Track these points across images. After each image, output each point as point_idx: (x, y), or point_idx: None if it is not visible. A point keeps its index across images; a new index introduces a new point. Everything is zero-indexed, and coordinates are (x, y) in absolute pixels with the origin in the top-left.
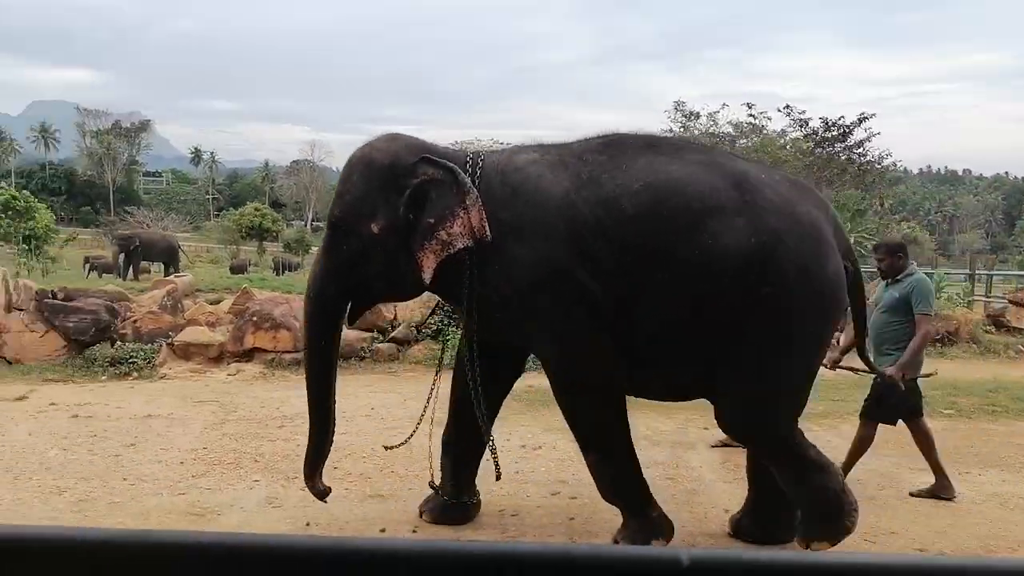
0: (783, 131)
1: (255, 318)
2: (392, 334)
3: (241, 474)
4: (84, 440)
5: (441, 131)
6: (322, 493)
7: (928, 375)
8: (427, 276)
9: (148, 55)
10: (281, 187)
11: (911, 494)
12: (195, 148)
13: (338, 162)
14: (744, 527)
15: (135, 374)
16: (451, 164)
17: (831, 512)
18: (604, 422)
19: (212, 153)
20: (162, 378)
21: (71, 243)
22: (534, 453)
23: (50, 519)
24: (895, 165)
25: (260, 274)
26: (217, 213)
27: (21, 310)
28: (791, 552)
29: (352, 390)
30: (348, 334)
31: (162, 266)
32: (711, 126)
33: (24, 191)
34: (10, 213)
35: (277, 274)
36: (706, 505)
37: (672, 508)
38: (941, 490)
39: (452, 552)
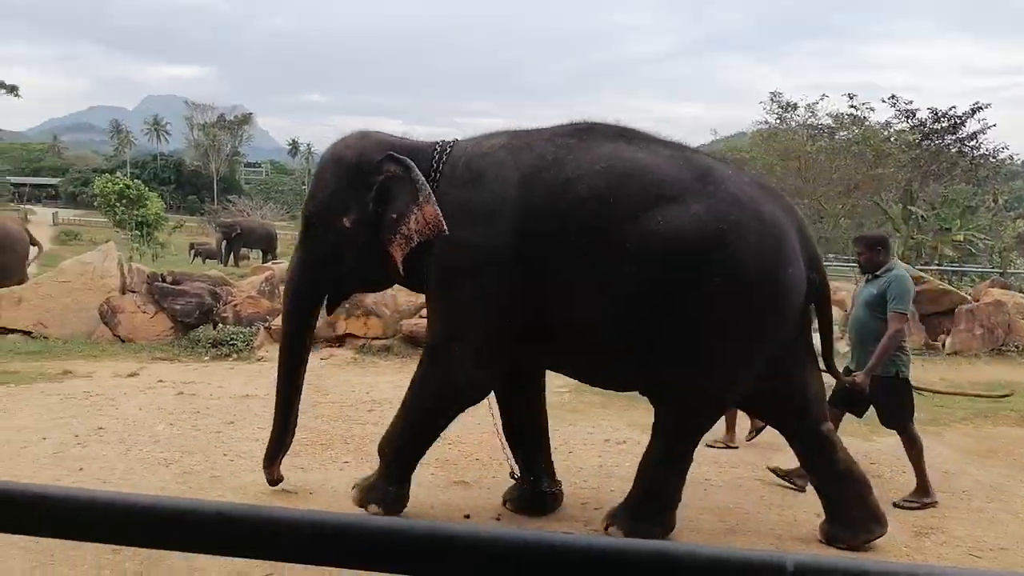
0: (887, 123)
1: (347, 305)
2: None
3: (332, 455)
4: (188, 416)
5: (524, 125)
6: (275, 481)
7: (1005, 395)
8: (400, 268)
9: (249, 51)
10: None
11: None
12: (292, 140)
13: None
14: (830, 533)
15: (235, 355)
16: (407, 161)
17: (650, 512)
18: (457, 404)
19: (308, 145)
20: (259, 360)
21: (178, 230)
22: (618, 448)
23: (157, 489)
24: (1011, 159)
25: None
26: None
27: (134, 292)
28: (894, 562)
29: None
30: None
31: (260, 253)
32: (809, 117)
33: (137, 180)
34: (124, 201)
35: None
36: (795, 509)
37: (761, 510)
38: (923, 498)
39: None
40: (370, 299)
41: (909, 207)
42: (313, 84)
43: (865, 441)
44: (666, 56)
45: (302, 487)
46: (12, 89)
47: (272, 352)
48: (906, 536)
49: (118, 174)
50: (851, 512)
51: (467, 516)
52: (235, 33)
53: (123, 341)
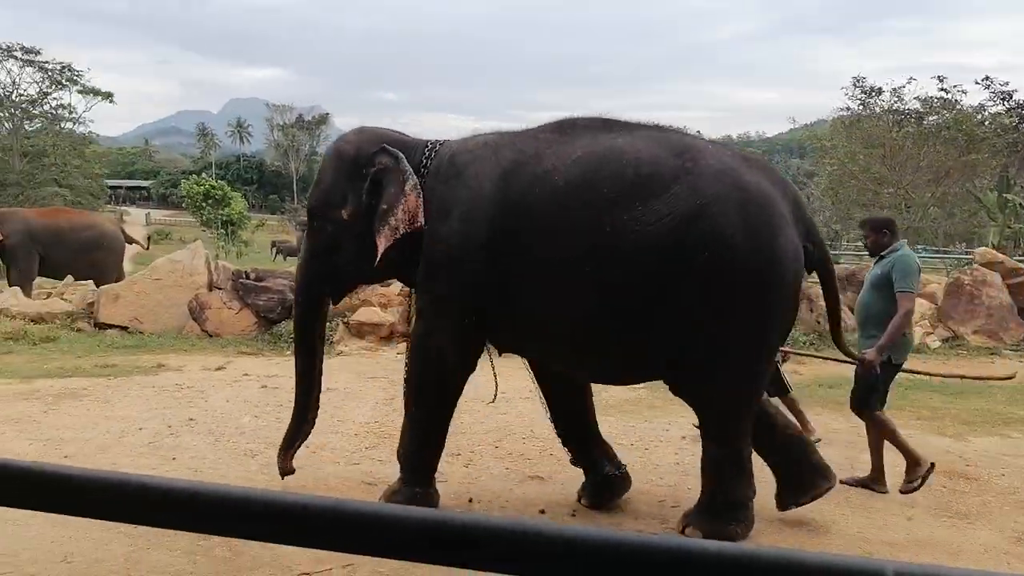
0: (981, 106)
1: None
2: None
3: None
4: (272, 409)
5: None
6: (285, 471)
7: (1006, 377)
8: (379, 258)
9: (325, 51)
10: None
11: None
12: None
13: None
14: (784, 500)
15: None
16: (397, 153)
17: (727, 510)
18: (446, 398)
19: None
20: (339, 354)
21: (260, 228)
22: (696, 445)
23: (243, 479)
24: None
25: None
26: None
27: (220, 289)
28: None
29: (511, 371)
30: None
31: None
32: (895, 102)
33: (221, 181)
34: (210, 201)
35: None
36: (884, 512)
37: (846, 512)
38: (917, 471)
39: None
40: None
41: (1005, 195)
42: (386, 82)
43: (958, 441)
44: (743, 41)
45: (381, 479)
46: (108, 96)
47: (351, 346)
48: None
49: (204, 175)
50: (800, 475)
51: (542, 511)
52: (311, 33)
53: (211, 336)
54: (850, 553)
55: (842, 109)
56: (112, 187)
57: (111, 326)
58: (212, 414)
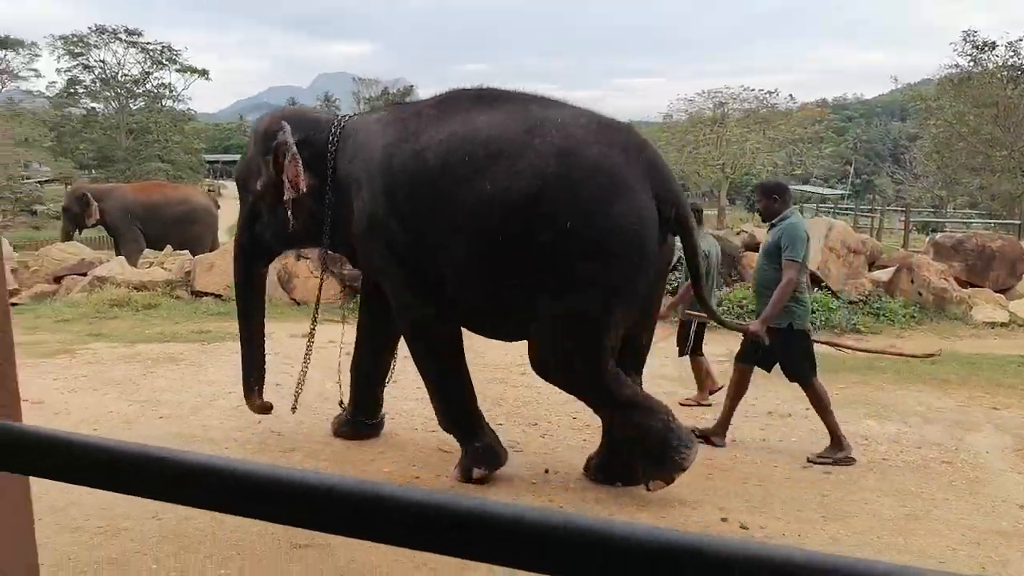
0: None
1: None
2: None
3: (487, 416)
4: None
5: (686, 83)
6: (262, 407)
7: (929, 355)
8: (290, 225)
9: (412, 24)
10: None
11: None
12: None
13: None
14: (593, 470)
15: None
16: (284, 127)
17: (655, 451)
18: (437, 355)
19: None
20: None
21: None
22: (782, 421)
23: (324, 444)
24: None
25: None
26: None
27: (307, 258)
28: None
29: None
30: None
31: None
32: (1011, 57)
33: None
34: None
35: None
36: (993, 497)
37: (949, 496)
38: (836, 453)
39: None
40: None
41: None
42: (472, 53)
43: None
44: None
45: (457, 446)
46: (204, 73)
47: None
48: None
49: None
50: (614, 459)
51: (619, 484)
52: (399, 6)
53: (298, 304)
54: (954, 541)
55: (950, 67)
56: (210, 161)
57: (206, 294)
58: (296, 379)
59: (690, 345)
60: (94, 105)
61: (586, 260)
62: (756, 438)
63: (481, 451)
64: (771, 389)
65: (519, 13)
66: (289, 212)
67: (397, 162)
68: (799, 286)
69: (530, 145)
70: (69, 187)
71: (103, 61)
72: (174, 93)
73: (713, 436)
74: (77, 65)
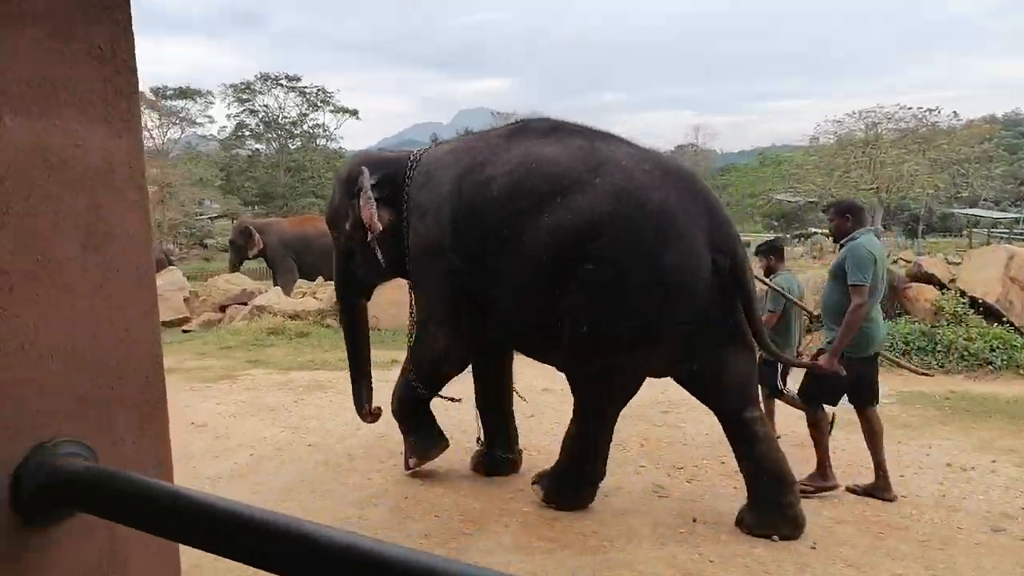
0: None
1: None
2: None
3: (627, 457)
4: None
5: (836, 104)
6: (368, 415)
7: (924, 373)
8: (379, 259)
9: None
10: None
11: (847, 489)
12: None
13: (723, 144)
14: (740, 517)
15: None
16: (363, 171)
17: (564, 478)
18: (444, 369)
19: None
20: None
21: None
22: (964, 475)
23: (466, 477)
24: None
25: None
26: None
27: None
28: None
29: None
30: None
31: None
32: None
33: None
34: None
35: None
36: None
37: None
38: (877, 490)
39: None
40: None
41: None
42: (608, 83)
43: None
44: (1010, 7)
45: (599, 488)
46: (354, 113)
47: None
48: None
49: None
50: (761, 505)
51: (773, 539)
52: (539, 40)
53: None
54: None
55: None
56: None
57: None
58: (438, 409)
59: (776, 384)
60: (258, 146)
61: (629, 304)
62: (932, 493)
63: (423, 443)
64: (947, 435)
65: (658, 42)
66: (376, 249)
67: (464, 190)
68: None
69: (591, 184)
70: (235, 222)
71: (266, 105)
72: (327, 132)
73: (825, 483)
74: (244, 110)
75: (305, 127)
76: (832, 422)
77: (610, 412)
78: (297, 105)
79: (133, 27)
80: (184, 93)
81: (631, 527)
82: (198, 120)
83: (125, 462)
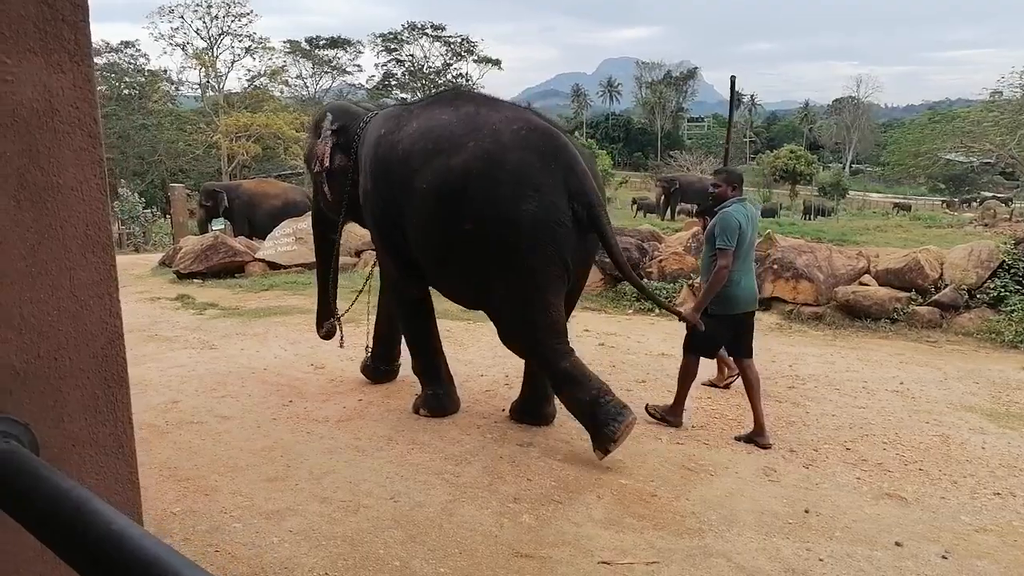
0: None
1: (775, 266)
2: (935, 296)
3: (742, 433)
4: (604, 369)
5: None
6: (327, 335)
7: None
8: (328, 196)
9: (700, 5)
10: (820, 127)
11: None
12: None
13: (888, 98)
14: (515, 411)
15: (657, 311)
16: (327, 116)
17: (589, 423)
18: (409, 312)
19: (752, 96)
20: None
21: (624, 185)
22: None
23: (563, 442)
24: None
25: (790, 219)
26: (753, 156)
27: None
28: None
29: (878, 357)
30: (879, 291)
31: (697, 207)
32: None
33: (591, 140)
34: None
35: (807, 219)
36: None
37: None
38: (756, 435)
39: None
40: (801, 261)
41: None
42: (760, 32)
43: None
44: None
45: (704, 465)
46: (496, 63)
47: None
48: None
49: (576, 135)
50: (527, 402)
51: (898, 543)
52: None
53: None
54: None
55: None
56: None
57: None
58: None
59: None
60: (404, 95)
61: (500, 249)
62: None
63: (436, 398)
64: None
65: None
66: (325, 186)
67: (380, 150)
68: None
69: (465, 146)
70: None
71: (412, 55)
72: (470, 82)
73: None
74: (391, 60)
75: (449, 76)
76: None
77: (546, 342)
78: (442, 55)
79: None
80: (335, 43)
81: (734, 512)
82: (348, 69)
83: (75, 442)
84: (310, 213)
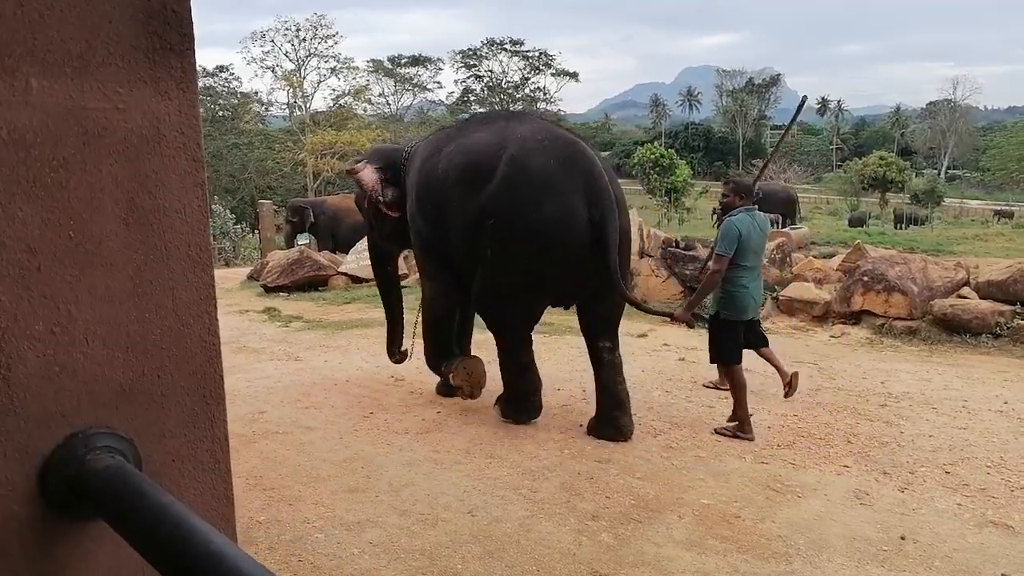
0: None
1: (866, 278)
2: None
3: (830, 454)
4: (684, 385)
5: None
6: (399, 360)
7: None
8: (383, 231)
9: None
10: (913, 132)
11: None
12: (822, 98)
13: (987, 100)
14: (592, 428)
15: None
16: (365, 156)
17: (511, 401)
18: (437, 317)
19: (839, 101)
20: (764, 331)
21: (704, 195)
22: None
23: (638, 459)
24: None
25: (880, 228)
26: (840, 163)
27: (650, 256)
28: None
29: (979, 375)
30: (980, 304)
31: (780, 217)
32: None
33: (670, 150)
34: (657, 169)
35: (898, 228)
36: None
37: None
38: (739, 431)
39: None
40: (893, 272)
41: None
42: (847, 33)
43: None
44: None
45: (791, 486)
46: (573, 75)
47: (779, 324)
48: None
49: (654, 144)
50: (602, 416)
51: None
52: None
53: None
54: None
55: None
56: None
57: None
58: (627, 383)
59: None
60: (483, 111)
61: (516, 249)
62: None
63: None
64: None
65: None
66: (378, 219)
67: (423, 172)
68: (734, 279)
69: (496, 156)
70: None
71: (491, 71)
72: (547, 96)
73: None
74: (471, 76)
75: (527, 91)
76: (792, 384)
77: (514, 335)
78: (520, 69)
79: None
80: (416, 61)
81: (824, 537)
82: (428, 86)
83: (175, 457)
84: None
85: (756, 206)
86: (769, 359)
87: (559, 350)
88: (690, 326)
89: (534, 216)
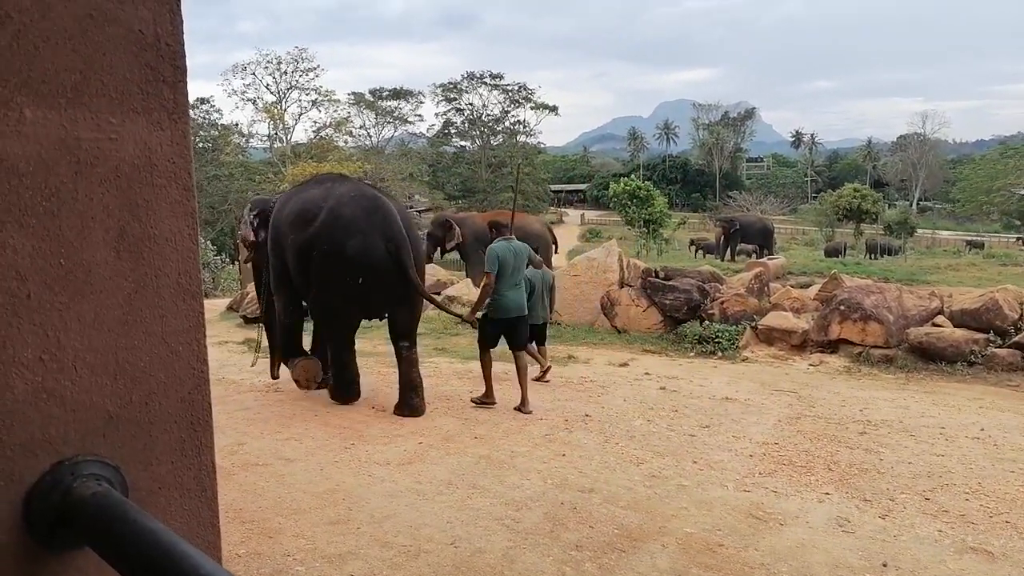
0: None
1: (843, 307)
2: (1016, 338)
3: (811, 482)
4: (666, 414)
5: None
6: (274, 376)
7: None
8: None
9: (756, 45)
10: (885, 165)
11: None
12: (796, 131)
13: (955, 133)
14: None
15: (719, 354)
16: (247, 208)
17: (337, 387)
18: (287, 324)
19: (812, 135)
20: (744, 360)
21: (682, 226)
22: None
23: (625, 487)
24: None
25: (855, 258)
26: (815, 195)
27: (630, 286)
28: None
29: (955, 402)
30: (954, 333)
31: (757, 248)
32: None
33: (647, 182)
34: (635, 201)
35: (872, 258)
36: None
37: None
38: (523, 406)
39: None
40: (869, 302)
41: None
42: (819, 70)
43: None
44: None
45: (773, 513)
46: (553, 109)
47: (758, 353)
48: None
49: (632, 177)
50: (401, 399)
51: None
52: (746, 27)
53: (619, 332)
54: None
55: None
56: (555, 191)
57: None
58: (607, 412)
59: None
60: (463, 143)
61: (333, 272)
62: None
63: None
64: None
65: (874, 23)
66: (253, 254)
67: (275, 217)
68: (496, 290)
69: (319, 206)
70: (433, 215)
71: (471, 104)
72: (527, 129)
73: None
74: (451, 109)
75: (507, 124)
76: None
77: (337, 338)
78: (500, 102)
79: (181, 8)
80: (398, 94)
81: (807, 564)
82: (409, 119)
83: (161, 484)
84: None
85: (513, 236)
86: (533, 355)
87: (537, 384)
88: (474, 326)
89: (343, 248)
